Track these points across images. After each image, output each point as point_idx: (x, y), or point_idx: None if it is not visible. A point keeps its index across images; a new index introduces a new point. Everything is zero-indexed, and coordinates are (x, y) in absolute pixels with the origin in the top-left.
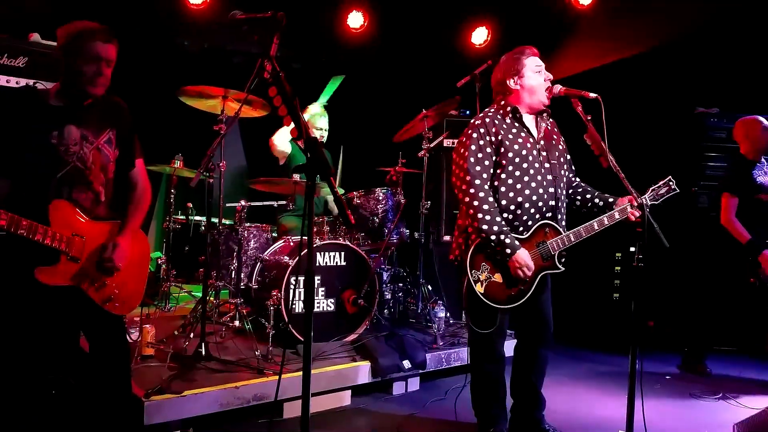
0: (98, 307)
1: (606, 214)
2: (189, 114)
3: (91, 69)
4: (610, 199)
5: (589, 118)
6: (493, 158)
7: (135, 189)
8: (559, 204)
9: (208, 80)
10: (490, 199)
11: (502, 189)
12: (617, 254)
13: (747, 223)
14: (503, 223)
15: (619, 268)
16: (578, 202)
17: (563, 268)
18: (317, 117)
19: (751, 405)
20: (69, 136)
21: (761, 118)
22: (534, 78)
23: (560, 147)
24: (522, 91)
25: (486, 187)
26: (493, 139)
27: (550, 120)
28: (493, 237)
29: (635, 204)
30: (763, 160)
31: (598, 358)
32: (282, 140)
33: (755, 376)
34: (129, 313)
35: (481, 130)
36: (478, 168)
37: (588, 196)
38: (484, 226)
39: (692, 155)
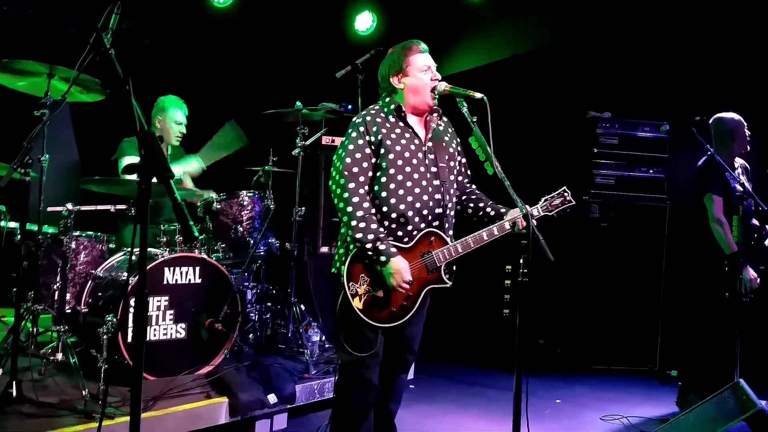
0: None
1: (496, 224)
2: (4, 95)
3: None
4: (502, 210)
5: (474, 119)
6: (373, 160)
7: None
8: (447, 212)
9: (31, 53)
10: (366, 204)
11: (383, 194)
12: (507, 267)
13: None
14: (381, 230)
15: (509, 281)
16: (470, 210)
17: (450, 283)
18: (172, 108)
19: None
20: None
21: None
22: (419, 78)
23: (450, 150)
24: (406, 90)
25: (362, 191)
26: (373, 138)
27: (443, 120)
28: (368, 245)
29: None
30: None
31: (488, 381)
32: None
33: (645, 393)
34: None
35: (361, 129)
36: (355, 170)
37: (481, 204)
38: (359, 234)
39: (582, 162)
